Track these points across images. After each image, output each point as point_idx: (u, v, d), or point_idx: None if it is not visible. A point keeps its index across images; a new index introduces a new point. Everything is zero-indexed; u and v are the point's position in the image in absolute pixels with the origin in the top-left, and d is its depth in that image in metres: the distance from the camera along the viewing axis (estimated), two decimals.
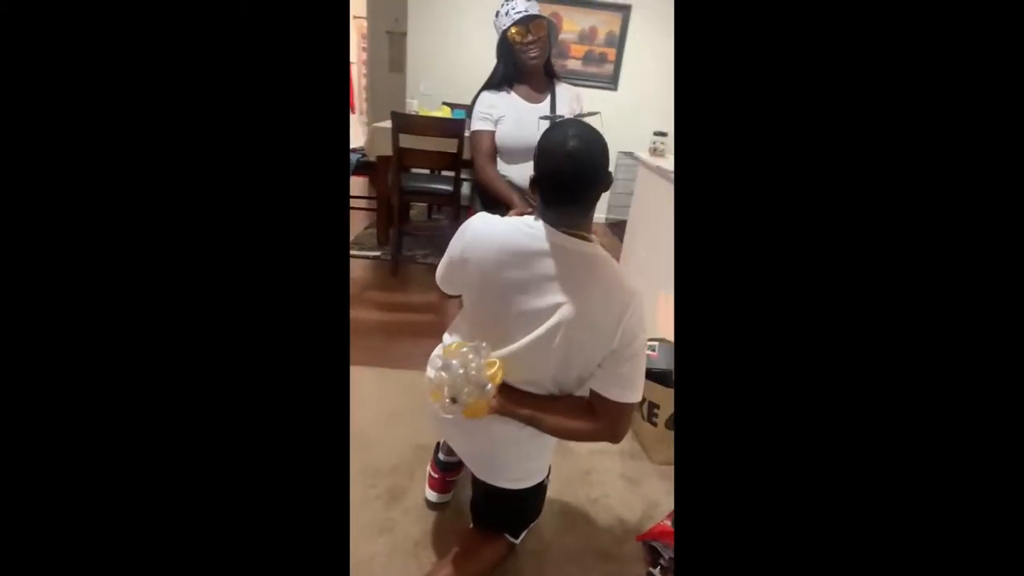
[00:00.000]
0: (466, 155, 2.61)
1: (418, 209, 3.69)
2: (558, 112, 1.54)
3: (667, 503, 1.46)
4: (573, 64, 3.68)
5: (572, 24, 3.63)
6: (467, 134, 2.55)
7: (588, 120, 0.95)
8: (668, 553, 1.25)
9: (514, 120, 1.51)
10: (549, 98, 1.55)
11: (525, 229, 0.92)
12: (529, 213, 1.38)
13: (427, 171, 2.94)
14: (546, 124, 1.54)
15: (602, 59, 3.74)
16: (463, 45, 3.72)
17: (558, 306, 0.89)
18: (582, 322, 0.89)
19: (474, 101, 1.58)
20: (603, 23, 3.66)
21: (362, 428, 1.60)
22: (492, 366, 0.88)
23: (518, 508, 1.14)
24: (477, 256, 0.93)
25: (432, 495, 1.35)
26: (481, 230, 0.94)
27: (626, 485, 1.52)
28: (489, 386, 0.85)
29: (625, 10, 3.66)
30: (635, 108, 3.69)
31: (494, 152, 1.54)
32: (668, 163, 2.92)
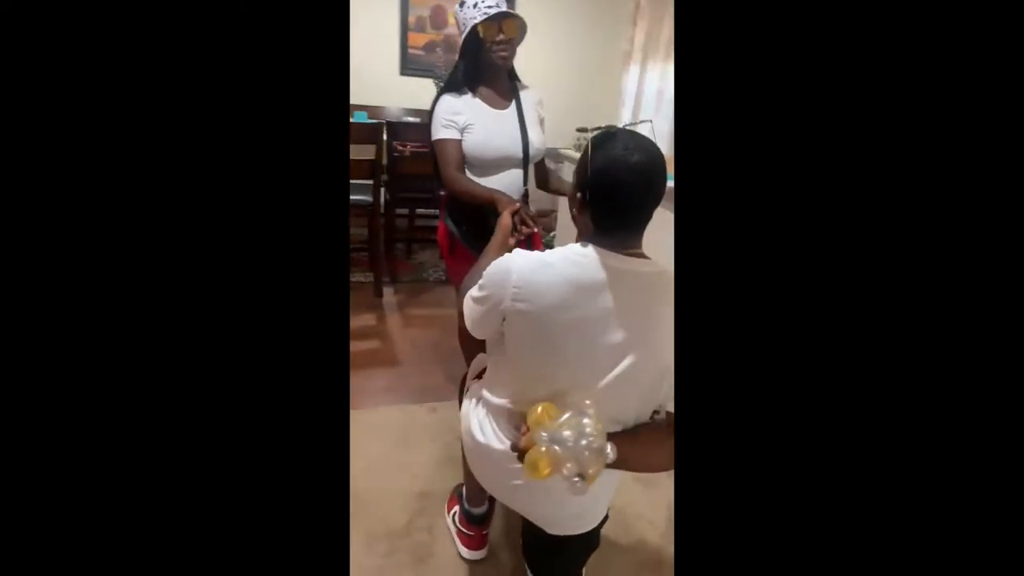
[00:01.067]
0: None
1: None
2: (526, 117, 1.45)
3: None
4: None
5: None
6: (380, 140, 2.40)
7: (639, 129, 0.87)
8: None
9: (483, 128, 1.38)
10: (514, 103, 1.45)
11: (580, 259, 0.81)
12: (520, 215, 1.28)
13: None
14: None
15: None
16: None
17: (638, 335, 0.82)
18: (666, 346, 0.82)
19: (434, 104, 1.43)
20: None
21: (351, 482, 1.40)
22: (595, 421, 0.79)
23: (583, 547, 1.07)
24: (532, 301, 0.80)
25: (468, 552, 1.23)
26: (529, 271, 0.81)
27: (643, 489, 1.51)
28: (610, 449, 0.75)
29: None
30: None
31: (463, 161, 1.41)
32: None
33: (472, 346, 1.69)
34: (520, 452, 0.82)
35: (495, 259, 1.04)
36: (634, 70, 3.36)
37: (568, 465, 0.72)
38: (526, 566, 1.13)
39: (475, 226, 1.42)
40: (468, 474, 1.24)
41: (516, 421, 0.88)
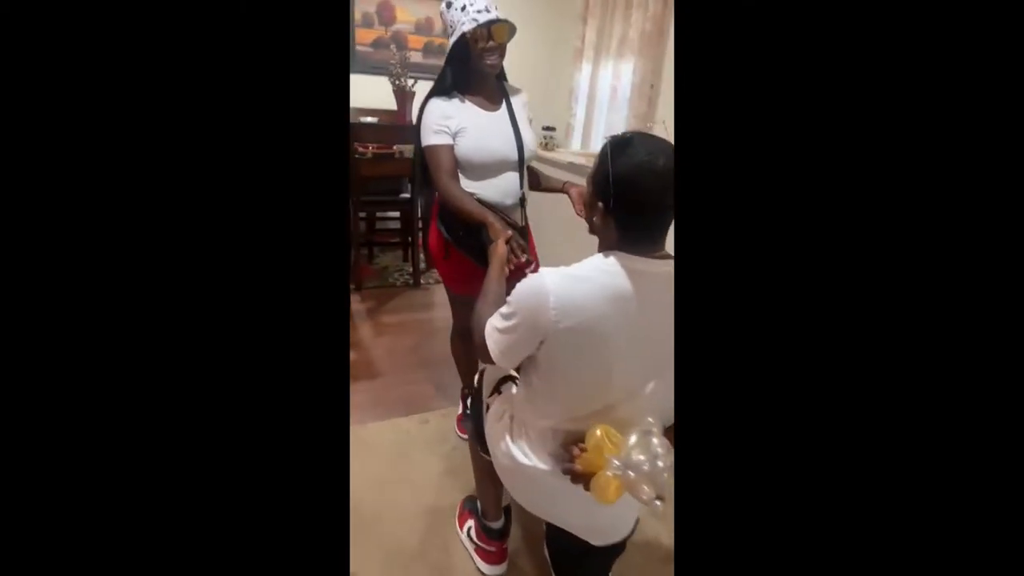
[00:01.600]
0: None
1: None
2: (518, 118, 1.43)
3: None
4: (414, 56, 3.48)
5: (407, 14, 3.41)
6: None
7: (655, 131, 0.87)
8: None
9: (477, 132, 1.34)
10: (505, 104, 1.43)
11: (610, 269, 0.81)
12: (511, 244, 1.25)
13: None
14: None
15: (442, 50, 3.60)
16: None
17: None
18: None
19: (422, 109, 1.38)
20: (438, 14, 3.52)
21: (355, 503, 1.34)
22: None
23: (613, 552, 1.08)
24: (575, 318, 0.79)
25: (490, 568, 1.23)
26: (566, 289, 0.79)
27: None
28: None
29: None
30: None
31: (456, 167, 1.37)
32: (561, 156, 2.98)
33: (468, 357, 1.67)
34: (574, 475, 0.81)
35: (497, 288, 1.02)
36: (586, 68, 3.39)
37: (645, 488, 0.72)
38: (554, 574, 1.13)
39: (471, 232, 1.38)
40: (483, 488, 1.22)
41: (564, 441, 0.87)
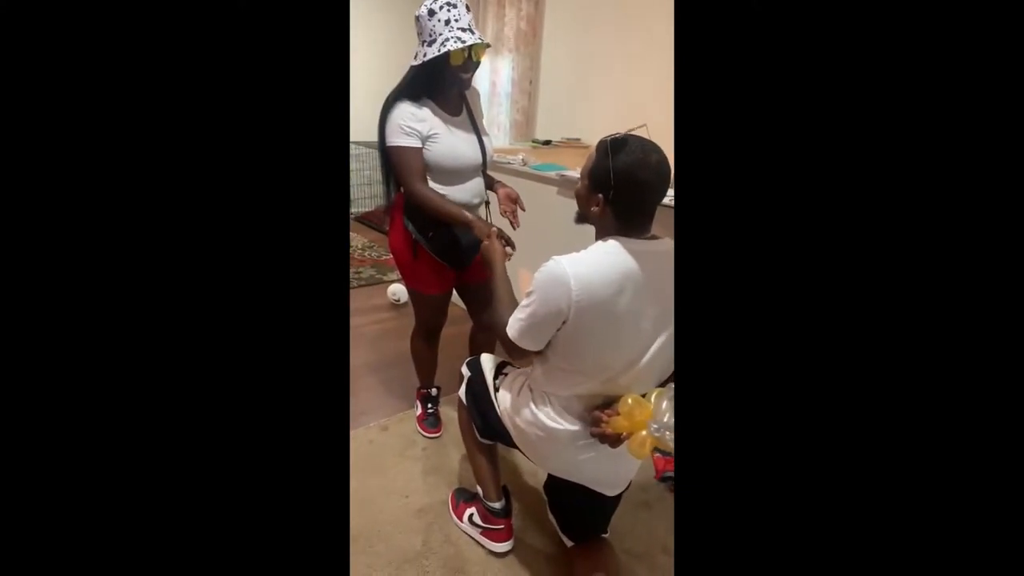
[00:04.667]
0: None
1: None
2: (478, 124, 1.45)
3: None
4: None
5: None
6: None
7: (639, 132, 0.98)
8: None
9: (448, 139, 1.36)
10: (465, 110, 1.44)
11: (612, 251, 0.93)
12: (503, 238, 1.31)
13: None
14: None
15: None
16: None
17: (670, 305, 0.94)
18: None
19: (388, 108, 1.35)
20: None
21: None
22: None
23: (618, 503, 1.21)
24: (591, 299, 0.90)
25: (500, 546, 1.30)
26: (581, 275, 0.91)
27: None
28: None
29: None
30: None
31: (424, 171, 1.37)
32: None
33: (431, 358, 1.70)
34: (604, 437, 0.94)
35: (508, 286, 1.11)
36: None
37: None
38: (563, 535, 1.23)
39: (442, 234, 1.42)
40: (484, 474, 1.29)
41: (588, 406, 1.00)
